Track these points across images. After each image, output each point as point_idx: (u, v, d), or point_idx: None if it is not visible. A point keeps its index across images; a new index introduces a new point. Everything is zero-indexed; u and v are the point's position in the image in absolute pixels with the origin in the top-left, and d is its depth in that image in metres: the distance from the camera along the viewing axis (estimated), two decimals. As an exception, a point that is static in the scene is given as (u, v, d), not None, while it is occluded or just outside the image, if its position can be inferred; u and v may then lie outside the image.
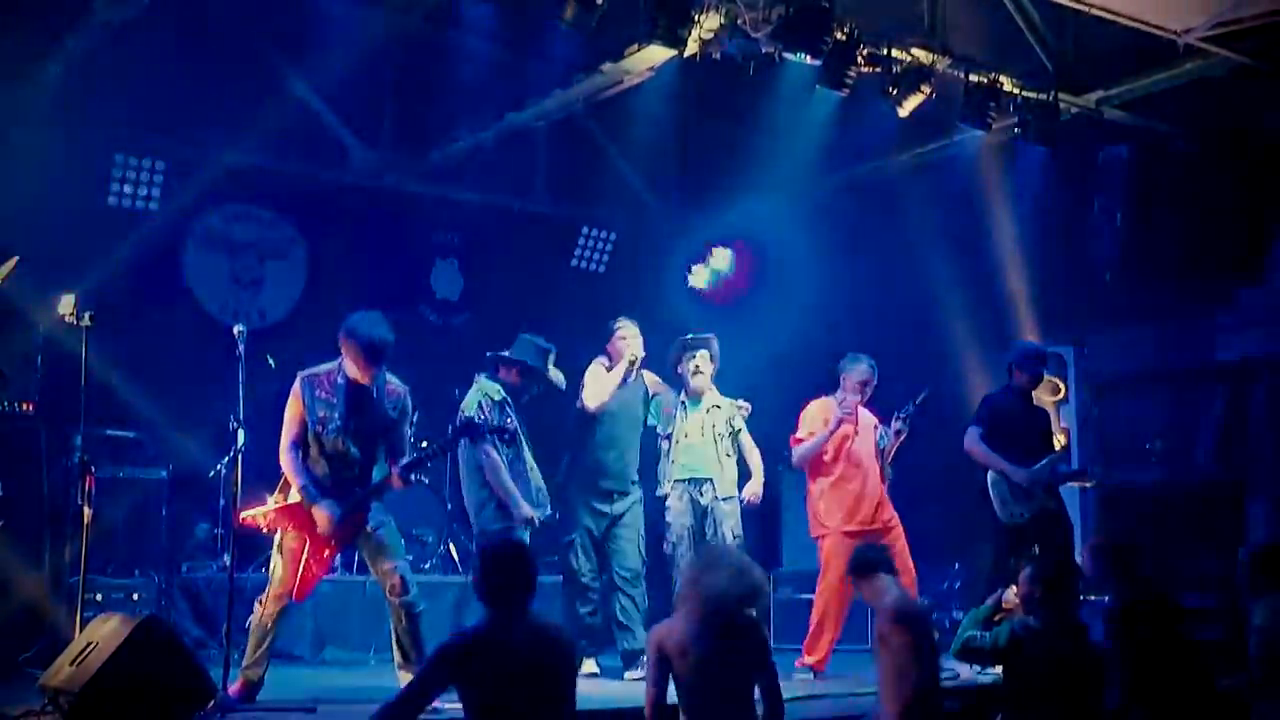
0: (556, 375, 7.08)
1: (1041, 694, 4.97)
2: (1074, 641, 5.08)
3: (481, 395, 6.79)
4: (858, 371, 7.32)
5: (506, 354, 6.93)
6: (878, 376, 7.36)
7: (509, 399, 6.81)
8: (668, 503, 7.30)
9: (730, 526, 7.20)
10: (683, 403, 7.42)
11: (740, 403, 7.45)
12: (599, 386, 7.22)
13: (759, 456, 7.45)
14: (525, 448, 6.84)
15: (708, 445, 7.30)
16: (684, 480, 7.27)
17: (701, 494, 7.25)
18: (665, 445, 7.39)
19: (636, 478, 7.41)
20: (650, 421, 7.51)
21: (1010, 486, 7.14)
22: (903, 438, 7.27)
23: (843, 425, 7.24)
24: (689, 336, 7.50)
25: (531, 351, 6.93)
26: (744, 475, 7.41)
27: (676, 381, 7.53)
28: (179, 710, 5.19)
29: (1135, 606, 5.42)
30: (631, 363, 7.22)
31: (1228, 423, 8.76)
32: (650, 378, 7.53)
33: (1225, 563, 7.78)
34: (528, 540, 6.41)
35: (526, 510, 6.63)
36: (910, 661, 4.98)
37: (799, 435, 7.38)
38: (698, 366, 7.39)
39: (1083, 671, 5.05)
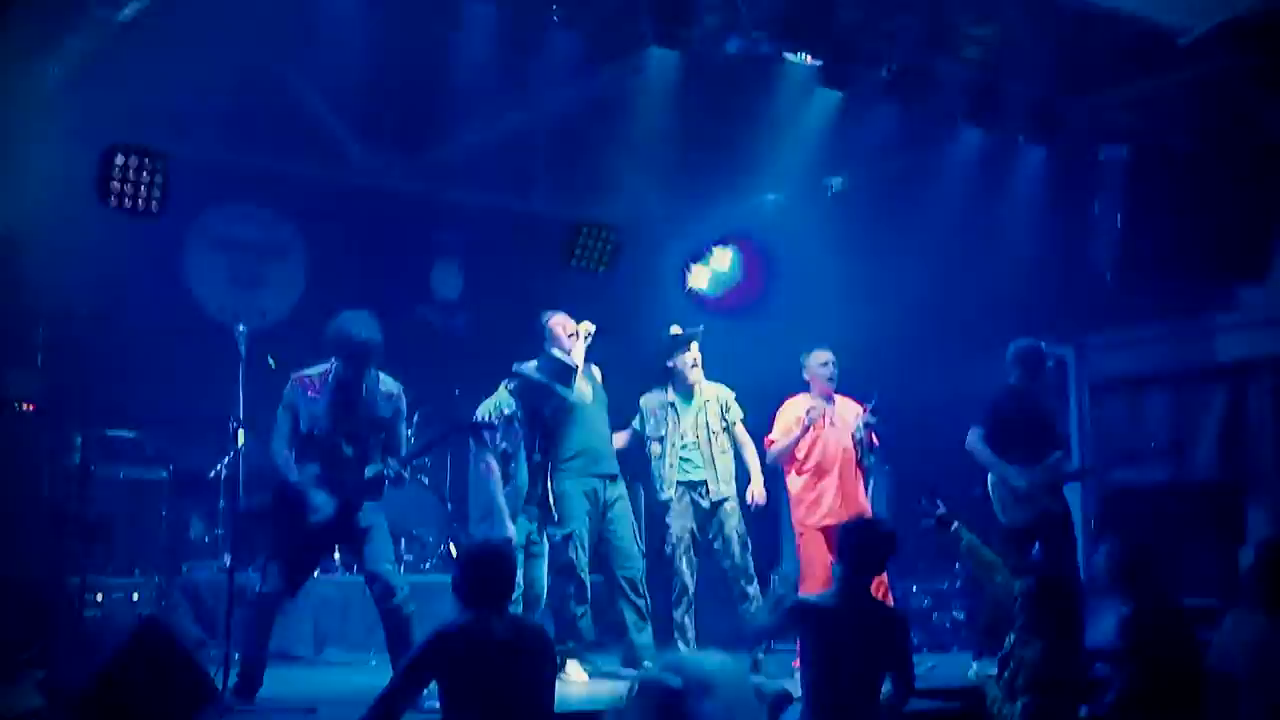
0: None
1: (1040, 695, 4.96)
2: (1072, 644, 5.07)
3: (494, 405, 6.72)
4: (821, 371, 7.36)
5: (526, 370, 6.82)
6: (837, 367, 7.38)
7: (520, 415, 6.74)
8: (669, 505, 7.24)
9: (734, 527, 7.16)
10: (671, 404, 7.34)
11: (724, 389, 7.40)
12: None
13: (754, 451, 7.38)
14: (518, 469, 6.72)
15: (704, 445, 7.25)
16: (684, 483, 7.21)
17: (702, 496, 7.21)
18: (657, 448, 7.28)
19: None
20: (635, 426, 7.44)
21: (1012, 489, 7.11)
22: (872, 430, 7.30)
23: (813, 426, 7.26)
24: (679, 332, 7.41)
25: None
26: (742, 472, 7.35)
27: (663, 378, 7.43)
28: (179, 710, 5.19)
29: (1146, 616, 5.34)
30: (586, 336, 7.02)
31: (1228, 423, 8.75)
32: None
33: (1225, 563, 7.79)
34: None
35: (507, 530, 6.51)
36: None
37: (771, 436, 7.38)
38: (694, 359, 7.32)
39: (1079, 674, 5.04)
